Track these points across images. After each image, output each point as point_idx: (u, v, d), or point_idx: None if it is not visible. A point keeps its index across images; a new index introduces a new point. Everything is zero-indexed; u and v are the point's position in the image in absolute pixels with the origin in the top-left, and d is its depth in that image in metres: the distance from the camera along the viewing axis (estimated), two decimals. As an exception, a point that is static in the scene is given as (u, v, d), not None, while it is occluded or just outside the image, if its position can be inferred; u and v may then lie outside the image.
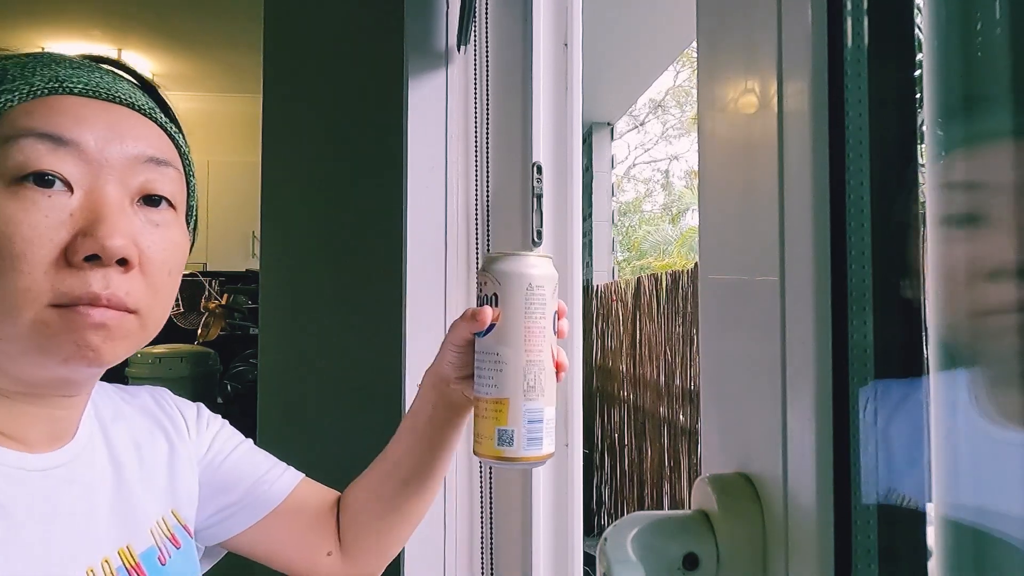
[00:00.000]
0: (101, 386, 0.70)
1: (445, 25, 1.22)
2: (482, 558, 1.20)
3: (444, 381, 0.73)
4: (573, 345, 1.18)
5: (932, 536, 0.34)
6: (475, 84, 1.21)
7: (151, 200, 0.59)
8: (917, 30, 0.37)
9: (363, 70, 2.04)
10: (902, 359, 0.38)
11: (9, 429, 0.58)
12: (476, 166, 1.21)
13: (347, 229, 2.09)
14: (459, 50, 1.21)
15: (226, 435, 0.81)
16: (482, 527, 1.20)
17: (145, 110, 0.61)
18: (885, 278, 0.37)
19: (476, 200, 1.21)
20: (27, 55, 0.60)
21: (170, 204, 0.61)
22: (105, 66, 0.64)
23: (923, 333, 0.35)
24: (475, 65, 1.21)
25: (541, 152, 1.18)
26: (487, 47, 1.21)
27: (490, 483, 1.20)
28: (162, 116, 0.64)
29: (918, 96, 0.36)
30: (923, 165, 0.36)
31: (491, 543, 1.20)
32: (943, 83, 0.33)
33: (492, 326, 0.63)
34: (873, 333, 0.37)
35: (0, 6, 3.64)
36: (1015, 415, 0.30)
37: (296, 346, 2.03)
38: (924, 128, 0.35)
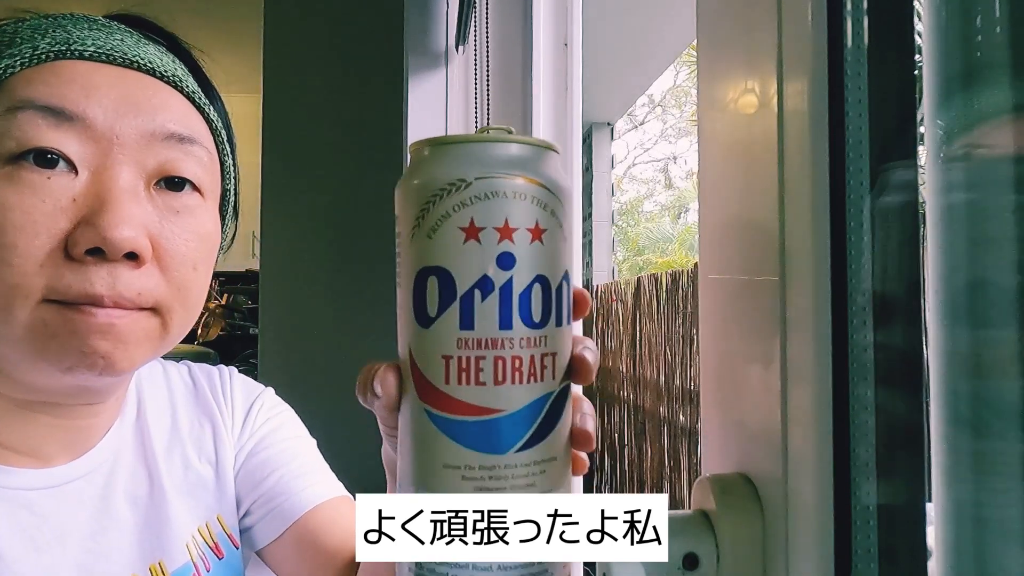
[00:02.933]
0: (150, 364, 0.62)
1: (445, 25, 1.22)
2: (482, 558, 1.19)
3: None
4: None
5: (932, 536, 0.34)
6: (475, 84, 1.21)
7: (172, 183, 0.51)
8: (917, 30, 0.37)
9: (363, 70, 2.03)
10: (902, 359, 0.38)
11: (18, 442, 0.51)
12: (476, 166, 1.21)
13: (347, 229, 2.08)
14: (459, 50, 1.21)
15: (284, 434, 0.70)
16: (482, 527, 1.20)
17: (168, 76, 0.52)
18: (885, 278, 0.37)
19: (476, 200, 1.21)
20: (45, 16, 0.52)
21: (195, 188, 0.53)
22: (129, 28, 0.55)
23: (923, 333, 0.35)
24: (475, 64, 1.21)
25: (541, 152, 1.17)
26: (487, 47, 1.21)
27: (490, 483, 1.20)
28: (191, 83, 0.55)
29: (918, 96, 0.36)
30: (923, 165, 0.36)
31: (491, 543, 1.19)
32: (943, 83, 0.33)
33: None
34: (873, 333, 0.37)
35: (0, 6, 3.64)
36: (1014, 414, 0.30)
37: (296, 346, 2.03)
38: (924, 128, 0.35)
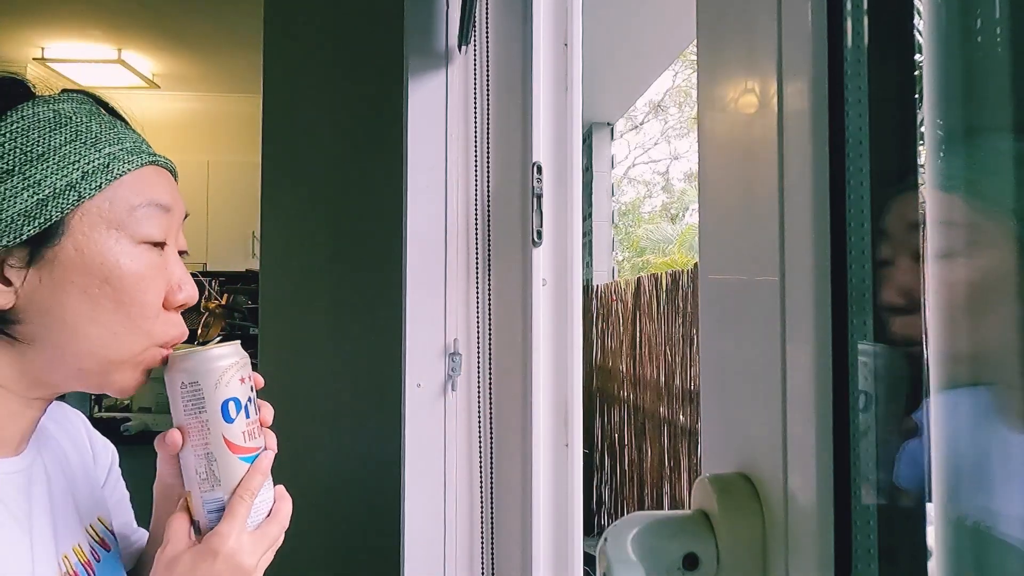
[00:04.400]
0: None
1: (445, 25, 1.22)
2: (482, 558, 1.20)
3: (170, 489, 0.72)
4: (573, 345, 1.18)
5: (932, 536, 0.34)
6: (475, 84, 1.21)
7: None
8: (917, 30, 0.37)
9: (363, 70, 2.04)
10: (902, 359, 0.38)
11: (11, 433, 0.62)
12: (476, 166, 1.21)
13: (347, 229, 2.08)
14: (460, 50, 1.21)
15: (114, 480, 0.82)
16: (482, 527, 1.20)
17: (172, 168, 0.69)
18: (885, 278, 0.37)
19: (476, 200, 1.21)
20: (86, 111, 0.64)
21: None
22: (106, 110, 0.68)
23: (923, 333, 0.35)
24: (475, 65, 1.21)
25: (541, 152, 1.17)
26: (487, 47, 1.21)
27: (491, 483, 1.20)
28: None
29: (918, 96, 0.36)
30: (923, 165, 0.36)
31: (491, 543, 1.20)
32: (943, 83, 0.33)
33: None
34: (873, 333, 0.37)
35: (0, 6, 3.64)
36: (1015, 414, 0.30)
37: (296, 346, 2.03)
38: (924, 128, 0.35)
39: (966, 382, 0.32)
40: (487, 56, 1.21)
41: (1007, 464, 0.31)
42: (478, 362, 1.20)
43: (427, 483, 1.19)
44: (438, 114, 1.21)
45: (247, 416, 0.66)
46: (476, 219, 1.21)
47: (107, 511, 0.76)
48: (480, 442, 1.20)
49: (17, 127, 0.59)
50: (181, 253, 0.68)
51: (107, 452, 0.81)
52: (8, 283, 0.58)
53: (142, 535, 0.83)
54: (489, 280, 1.21)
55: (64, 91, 0.65)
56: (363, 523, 1.93)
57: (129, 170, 0.61)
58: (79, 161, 0.59)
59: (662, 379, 3.98)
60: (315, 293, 2.06)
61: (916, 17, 0.37)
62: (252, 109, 2.08)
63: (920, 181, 0.36)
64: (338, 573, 1.95)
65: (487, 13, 1.20)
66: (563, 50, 1.19)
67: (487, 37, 1.21)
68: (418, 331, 1.20)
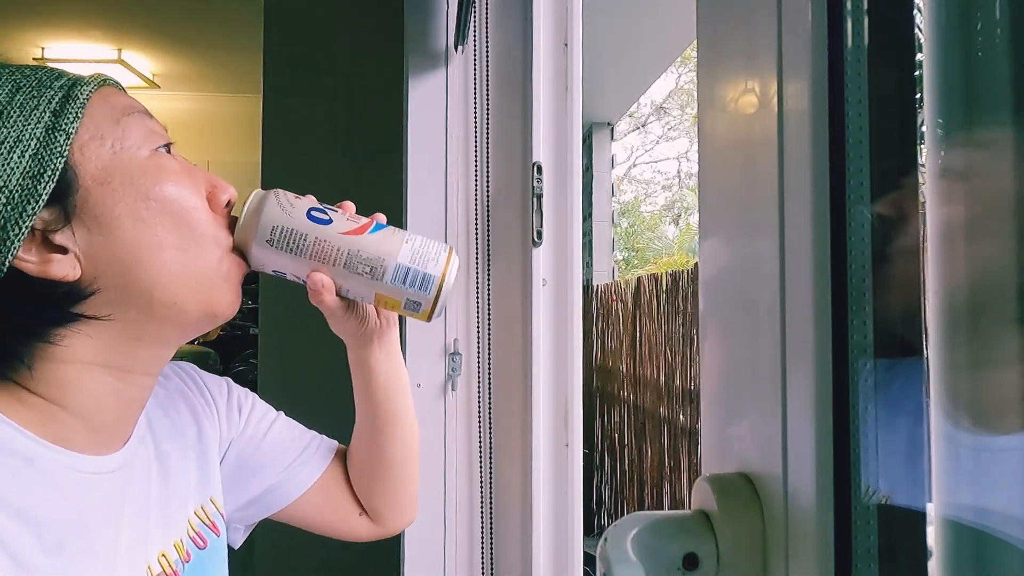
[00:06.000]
0: None
1: (445, 25, 1.22)
2: (482, 558, 1.20)
3: (363, 340, 0.74)
4: (573, 345, 1.18)
5: (932, 536, 0.34)
6: (475, 84, 1.21)
7: None
8: (917, 30, 0.37)
9: (363, 70, 2.04)
10: (902, 359, 0.38)
11: (99, 419, 0.59)
12: (476, 166, 1.21)
13: (347, 229, 2.08)
14: (456, 49, 1.21)
15: (259, 414, 0.81)
16: (482, 527, 1.20)
17: (118, 84, 0.66)
18: (885, 278, 0.37)
19: (476, 200, 1.21)
20: (27, 67, 0.61)
21: None
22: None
23: (923, 333, 0.35)
24: (475, 65, 1.21)
25: (541, 152, 1.17)
26: (487, 47, 1.21)
27: (491, 483, 1.20)
28: None
29: (918, 96, 0.36)
30: (923, 165, 0.36)
31: (491, 543, 1.20)
32: (943, 83, 0.33)
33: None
34: (873, 333, 0.37)
35: (0, 6, 3.64)
36: (1012, 415, 0.30)
37: (296, 346, 2.03)
38: (924, 128, 0.35)
39: (966, 381, 0.32)
40: (487, 56, 1.21)
41: (1005, 464, 0.31)
42: (478, 362, 1.20)
43: (427, 483, 1.19)
44: (438, 114, 1.21)
45: (335, 211, 0.65)
46: (476, 219, 1.21)
47: (219, 491, 0.74)
48: (480, 442, 1.20)
49: None
50: None
51: (222, 395, 0.78)
52: (64, 250, 0.55)
53: (324, 452, 0.82)
54: (489, 280, 1.21)
55: None
56: (363, 523, 1.93)
57: (91, 92, 0.58)
58: (39, 104, 0.56)
59: (662, 379, 3.98)
60: (315, 293, 2.05)
61: (916, 17, 0.37)
62: (252, 109, 2.08)
63: (920, 181, 0.36)
64: (338, 573, 1.95)
65: (487, 13, 1.20)
66: (563, 50, 1.19)
67: (487, 37, 1.21)
68: (418, 331, 1.20)
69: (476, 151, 1.21)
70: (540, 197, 1.17)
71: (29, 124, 0.55)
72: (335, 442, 0.86)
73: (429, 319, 0.66)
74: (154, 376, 0.63)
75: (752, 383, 0.42)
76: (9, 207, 0.53)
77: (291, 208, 0.63)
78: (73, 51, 4.23)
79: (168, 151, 0.61)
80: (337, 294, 0.66)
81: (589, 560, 1.83)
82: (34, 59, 4.31)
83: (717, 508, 0.41)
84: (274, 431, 0.81)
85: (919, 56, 0.35)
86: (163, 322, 0.59)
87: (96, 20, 3.79)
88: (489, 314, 1.20)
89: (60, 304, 0.55)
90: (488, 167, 1.21)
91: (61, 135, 0.55)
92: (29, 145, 0.54)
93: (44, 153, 0.54)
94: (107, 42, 4.11)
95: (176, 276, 0.58)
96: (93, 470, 0.57)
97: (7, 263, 0.53)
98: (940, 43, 0.33)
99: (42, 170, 0.54)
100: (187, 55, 4.30)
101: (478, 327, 1.20)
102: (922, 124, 0.35)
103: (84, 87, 0.58)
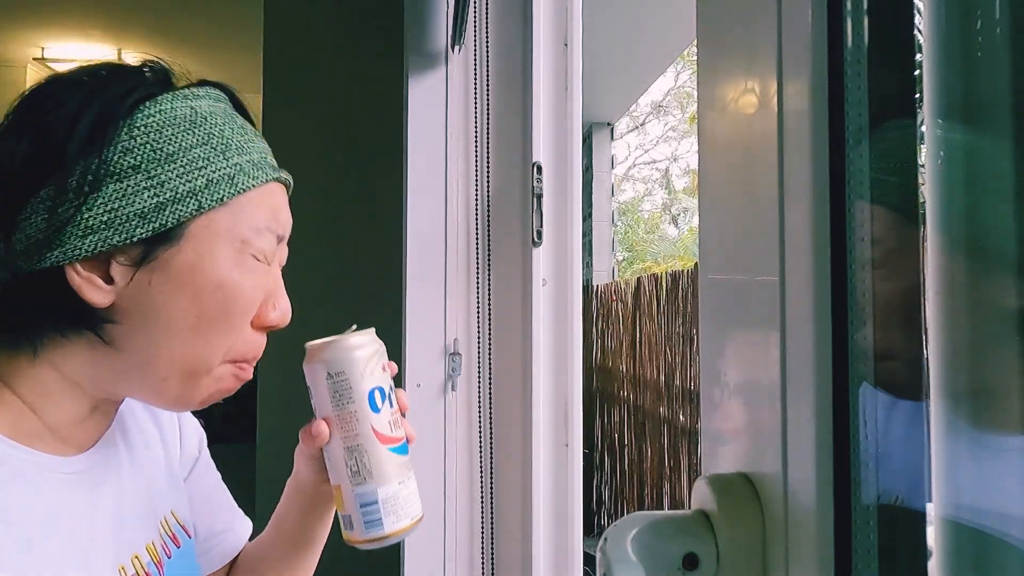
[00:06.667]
0: None
1: (445, 25, 1.22)
2: (482, 558, 1.20)
3: (307, 485, 0.73)
4: (573, 345, 1.18)
5: (932, 536, 0.34)
6: (475, 84, 1.21)
7: None
8: (917, 30, 0.37)
9: (363, 70, 2.04)
10: (902, 359, 0.38)
11: (68, 432, 0.60)
12: (476, 166, 1.21)
13: (347, 229, 2.08)
14: (453, 50, 1.21)
15: (203, 467, 0.80)
16: (482, 527, 1.20)
17: (289, 183, 0.67)
18: (885, 278, 0.37)
19: (476, 200, 1.21)
20: (229, 102, 0.64)
21: None
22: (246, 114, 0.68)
23: (923, 333, 0.35)
24: (475, 65, 1.21)
25: (541, 152, 1.17)
26: (487, 47, 1.21)
27: (491, 483, 1.20)
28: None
29: (918, 96, 0.36)
30: (923, 165, 0.36)
31: (491, 543, 1.20)
32: (943, 83, 0.33)
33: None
34: (873, 333, 0.37)
35: (0, 6, 3.64)
36: (1013, 415, 0.30)
37: (296, 346, 2.03)
38: (924, 128, 0.35)
39: (966, 381, 0.32)
40: (487, 56, 1.21)
41: (1005, 464, 0.31)
42: (478, 362, 1.20)
43: (427, 483, 1.19)
44: (438, 114, 1.21)
45: (391, 405, 0.65)
46: (476, 219, 1.21)
47: (183, 504, 0.74)
48: (480, 442, 1.20)
49: (153, 121, 0.56)
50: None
51: (196, 436, 0.79)
52: (111, 281, 0.55)
53: (243, 527, 0.82)
54: (489, 280, 1.21)
55: (203, 83, 0.63)
56: (363, 523, 1.92)
57: (254, 185, 0.59)
58: (206, 168, 0.57)
59: (662, 379, 3.98)
60: (315, 293, 2.05)
61: (916, 17, 0.37)
62: (252, 109, 2.08)
63: (920, 181, 0.36)
64: (338, 572, 1.95)
65: (487, 13, 1.20)
66: (563, 50, 1.19)
67: (487, 37, 1.21)
68: (418, 331, 1.20)
69: (476, 151, 1.21)
70: (540, 197, 1.17)
71: (181, 178, 0.56)
72: (250, 523, 0.85)
73: (347, 543, 0.66)
74: (119, 405, 0.65)
75: (752, 383, 0.42)
76: (104, 227, 0.54)
77: (368, 374, 0.64)
78: (73, 51, 4.23)
79: (268, 262, 0.62)
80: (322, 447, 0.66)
81: (589, 560, 1.83)
82: (34, 59, 4.30)
83: (717, 508, 0.41)
84: (214, 491, 0.81)
85: (919, 56, 0.35)
86: (143, 380, 0.60)
87: (96, 20, 3.79)
88: (489, 314, 1.20)
89: (80, 314, 0.56)
90: (488, 167, 1.21)
91: (193, 204, 0.56)
92: (164, 193, 0.55)
93: (168, 208, 0.56)
94: (107, 42, 4.11)
95: (180, 358, 0.58)
96: (60, 470, 0.58)
97: (63, 263, 0.54)
98: (940, 43, 0.33)
99: (154, 219, 0.55)
100: (187, 55, 4.30)
101: (478, 327, 1.20)
102: (922, 124, 0.35)
103: (250, 179, 0.59)
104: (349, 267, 2.07)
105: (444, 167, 1.21)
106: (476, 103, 1.21)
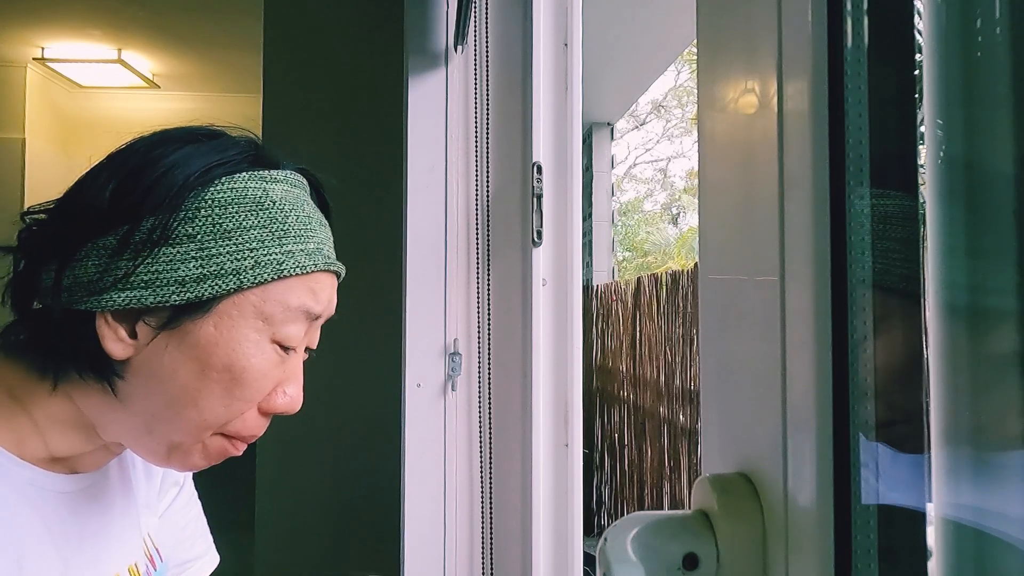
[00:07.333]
0: None
1: (445, 25, 1.22)
2: (482, 558, 1.20)
3: None
4: (573, 345, 1.18)
5: (932, 536, 0.34)
6: (475, 84, 1.21)
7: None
8: (917, 30, 0.37)
9: (363, 70, 2.04)
10: (902, 359, 0.38)
11: (72, 461, 0.62)
12: (476, 166, 1.21)
13: (347, 229, 2.08)
14: (455, 49, 1.21)
15: (187, 495, 0.80)
16: (482, 527, 1.20)
17: (340, 273, 0.67)
18: (885, 279, 0.37)
19: (476, 200, 1.21)
20: (292, 197, 0.63)
21: None
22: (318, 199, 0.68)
23: (923, 333, 0.35)
24: (475, 65, 1.21)
25: (541, 152, 1.17)
26: (487, 47, 1.21)
27: (490, 483, 1.20)
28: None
29: (918, 96, 0.36)
30: (923, 165, 0.36)
31: (491, 543, 1.20)
32: (943, 83, 0.33)
33: None
34: (873, 332, 0.37)
35: (0, 6, 3.64)
36: (1014, 414, 0.30)
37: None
38: (924, 128, 0.35)
39: (966, 381, 0.32)
40: (487, 56, 1.21)
41: (1005, 465, 0.31)
42: (478, 362, 1.20)
43: (427, 483, 1.19)
44: (438, 114, 1.21)
45: None
46: (476, 219, 1.21)
47: (156, 527, 0.74)
48: (480, 442, 1.20)
49: (222, 197, 0.57)
50: (308, 350, 0.66)
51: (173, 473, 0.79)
52: (134, 336, 0.56)
53: (212, 560, 0.82)
54: (489, 280, 1.21)
55: (287, 167, 0.64)
56: (363, 522, 1.93)
57: (298, 273, 0.60)
58: (258, 250, 0.58)
59: (662, 379, 3.98)
60: (315, 293, 2.06)
61: (916, 17, 0.37)
62: (252, 109, 2.08)
63: (920, 181, 0.36)
64: (338, 572, 1.95)
65: (487, 13, 1.20)
66: (563, 50, 1.19)
67: (487, 37, 1.21)
68: (418, 331, 1.20)
69: (476, 151, 1.21)
70: (540, 197, 1.17)
71: (231, 256, 0.57)
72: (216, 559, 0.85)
73: None
74: (120, 452, 0.66)
75: (752, 383, 0.42)
76: (144, 286, 0.55)
77: None
78: (73, 51, 4.24)
79: (293, 349, 0.62)
80: None
81: (589, 560, 1.83)
82: (34, 59, 4.30)
83: (717, 508, 0.41)
84: (198, 520, 0.81)
85: (919, 56, 0.35)
86: (144, 440, 0.60)
87: (96, 20, 3.79)
88: (489, 314, 1.20)
89: (95, 360, 0.57)
90: (488, 167, 1.21)
91: (234, 282, 0.57)
92: (208, 266, 0.56)
93: (209, 281, 0.56)
94: (107, 42, 4.11)
95: (178, 427, 0.59)
96: (59, 489, 0.59)
97: (96, 309, 0.55)
98: (940, 43, 0.33)
99: (192, 288, 0.56)
100: (187, 55, 4.30)
101: (478, 327, 1.20)
102: (922, 124, 0.35)
103: (296, 266, 0.59)
104: (349, 267, 2.07)
105: (444, 167, 1.21)
106: (476, 103, 1.21)
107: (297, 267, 0.59)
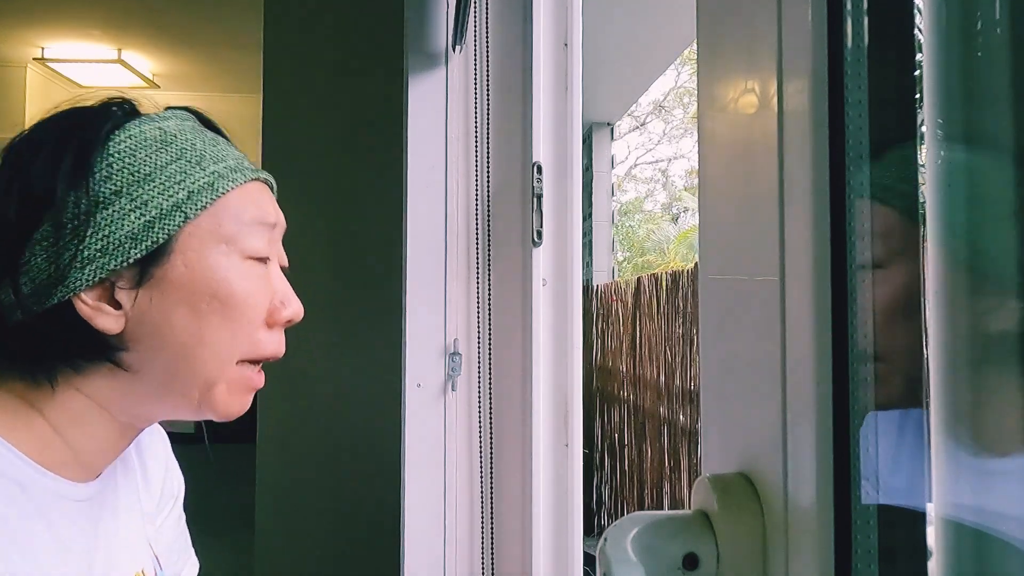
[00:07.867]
0: None
1: (445, 25, 1.22)
2: (482, 558, 1.20)
3: None
4: (573, 345, 1.18)
5: (932, 536, 0.34)
6: (475, 84, 1.21)
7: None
8: (917, 30, 0.37)
9: (363, 70, 2.04)
10: (902, 360, 0.38)
11: (91, 458, 0.61)
12: (476, 166, 1.21)
13: (347, 229, 2.08)
14: (454, 49, 1.21)
15: (180, 509, 0.80)
16: (482, 527, 1.20)
17: (271, 183, 0.69)
18: (885, 279, 0.37)
19: (476, 200, 1.21)
20: (188, 128, 0.64)
21: None
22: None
23: (923, 333, 0.35)
24: (475, 65, 1.21)
25: (541, 152, 1.17)
26: (487, 47, 1.21)
27: (491, 483, 1.20)
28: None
29: (918, 96, 0.36)
30: (923, 165, 0.36)
31: (491, 543, 1.20)
32: (943, 83, 0.33)
33: None
34: (873, 333, 0.37)
35: (0, 6, 3.64)
36: (1014, 414, 0.30)
37: (296, 346, 2.03)
38: (924, 128, 0.35)
39: (966, 380, 0.32)
40: (487, 56, 1.21)
41: (1005, 465, 0.31)
42: (478, 362, 1.20)
43: (427, 483, 1.19)
44: (438, 114, 1.21)
45: None
46: (476, 219, 1.21)
47: (154, 537, 0.74)
48: (480, 442, 1.20)
49: (125, 147, 0.59)
50: (282, 268, 0.68)
51: (178, 482, 0.80)
52: (118, 306, 0.57)
53: (193, 567, 0.81)
54: (489, 280, 1.21)
55: (168, 108, 0.65)
56: (363, 523, 1.93)
57: (233, 187, 0.61)
58: (184, 180, 0.59)
59: (662, 379, 3.98)
60: (315, 293, 2.06)
61: (916, 17, 0.37)
62: (252, 109, 2.08)
63: (920, 181, 0.36)
64: (338, 572, 1.95)
65: (487, 13, 1.20)
66: (563, 50, 1.19)
67: (487, 37, 1.21)
68: (418, 331, 1.20)
69: (476, 151, 1.21)
70: (540, 197, 1.17)
71: (163, 195, 0.58)
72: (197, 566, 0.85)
73: None
74: (143, 429, 0.66)
75: (752, 383, 0.42)
76: (100, 255, 0.56)
77: None
78: (73, 51, 4.23)
79: (266, 262, 0.63)
80: None
81: (589, 560, 1.83)
82: (34, 59, 4.30)
83: (717, 508, 0.41)
84: (185, 534, 0.81)
85: (919, 56, 0.35)
86: (169, 400, 0.61)
87: (96, 20, 3.79)
88: (489, 314, 1.20)
89: (93, 345, 0.57)
90: (488, 167, 1.21)
91: (180, 216, 0.58)
92: (149, 212, 0.57)
93: (157, 225, 0.58)
94: (107, 42, 4.11)
95: (197, 371, 0.60)
96: (75, 497, 0.60)
97: (68, 296, 0.56)
98: (940, 43, 0.33)
99: (144, 238, 0.57)
100: (187, 55, 4.30)
101: (478, 327, 1.20)
102: (922, 124, 0.35)
103: (229, 181, 0.61)
104: (349, 267, 2.07)
105: (444, 167, 1.21)
106: (476, 103, 1.21)
107: (229, 182, 0.61)
